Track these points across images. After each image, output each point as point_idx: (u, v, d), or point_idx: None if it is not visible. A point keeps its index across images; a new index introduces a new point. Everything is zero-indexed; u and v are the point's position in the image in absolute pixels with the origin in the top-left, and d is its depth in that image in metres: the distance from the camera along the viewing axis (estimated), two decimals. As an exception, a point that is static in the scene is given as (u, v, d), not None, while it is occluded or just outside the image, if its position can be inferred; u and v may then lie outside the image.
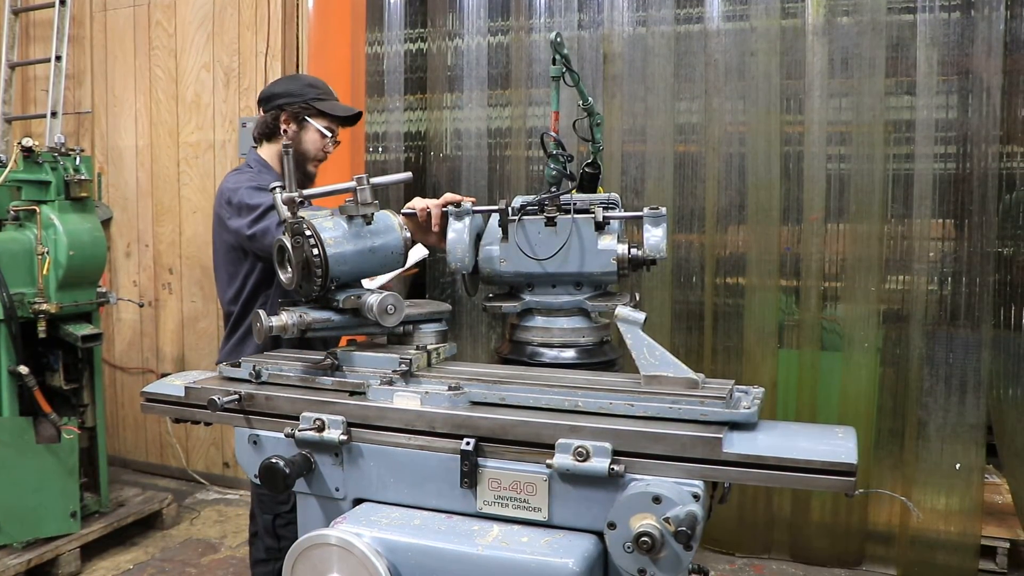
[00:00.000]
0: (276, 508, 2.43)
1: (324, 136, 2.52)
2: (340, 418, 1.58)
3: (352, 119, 2.61)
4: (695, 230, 3.77)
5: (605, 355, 1.97)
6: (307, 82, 2.60)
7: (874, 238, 3.49)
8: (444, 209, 2.09)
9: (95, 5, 4.81)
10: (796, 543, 3.72)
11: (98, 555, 3.70)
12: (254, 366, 1.77)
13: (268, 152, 2.58)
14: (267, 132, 2.57)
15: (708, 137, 3.72)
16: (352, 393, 1.65)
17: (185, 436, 4.74)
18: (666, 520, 1.28)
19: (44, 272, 3.44)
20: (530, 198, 1.95)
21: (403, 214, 2.13)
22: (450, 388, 1.56)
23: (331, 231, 1.74)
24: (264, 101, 2.57)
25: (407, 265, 2.14)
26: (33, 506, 3.40)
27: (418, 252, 2.44)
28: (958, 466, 3.42)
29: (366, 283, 2.22)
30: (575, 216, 1.90)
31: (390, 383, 1.65)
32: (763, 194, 3.62)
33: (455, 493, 1.50)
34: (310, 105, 2.51)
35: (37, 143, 3.51)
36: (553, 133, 1.97)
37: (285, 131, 2.52)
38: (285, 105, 2.51)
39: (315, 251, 1.70)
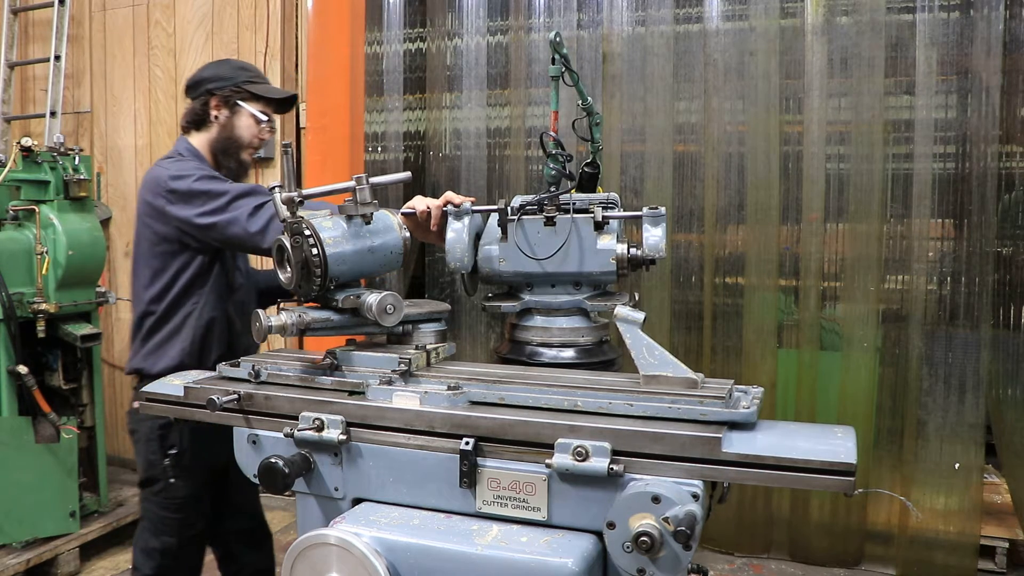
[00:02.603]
0: (182, 532, 2.32)
1: (259, 121, 2.37)
2: (339, 418, 1.58)
3: (287, 103, 2.46)
4: (694, 230, 3.77)
5: (604, 355, 1.97)
6: (237, 65, 2.45)
7: (873, 238, 3.49)
8: (444, 209, 2.07)
9: (94, 5, 4.81)
10: (795, 543, 3.72)
11: (97, 555, 3.70)
12: (253, 366, 1.77)
13: (198, 141, 2.41)
14: (196, 120, 2.41)
15: (707, 137, 3.72)
16: (351, 393, 1.65)
17: (184, 436, 4.74)
18: (665, 520, 1.28)
19: (43, 272, 3.44)
20: (529, 198, 1.95)
21: (403, 213, 2.13)
22: (449, 388, 1.56)
23: (330, 231, 1.74)
24: (192, 88, 2.41)
25: None
26: (32, 506, 3.39)
27: None
28: (957, 466, 3.43)
29: None
30: (574, 216, 1.90)
31: (389, 383, 1.65)
32: (762, 194, 3.62)
33: (454, 493, 1.50)
34: (242, 88, 2.36)
35: (36, 143, 3.50)
36: (552, 133, 1.97)
37: (216, 117, 2.36)
38: (215, 89, 2.35)
39: (314, 251, 1.70)
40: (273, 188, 1.79)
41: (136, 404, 2.28)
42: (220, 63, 2.48)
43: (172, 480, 2.28)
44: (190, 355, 2.28)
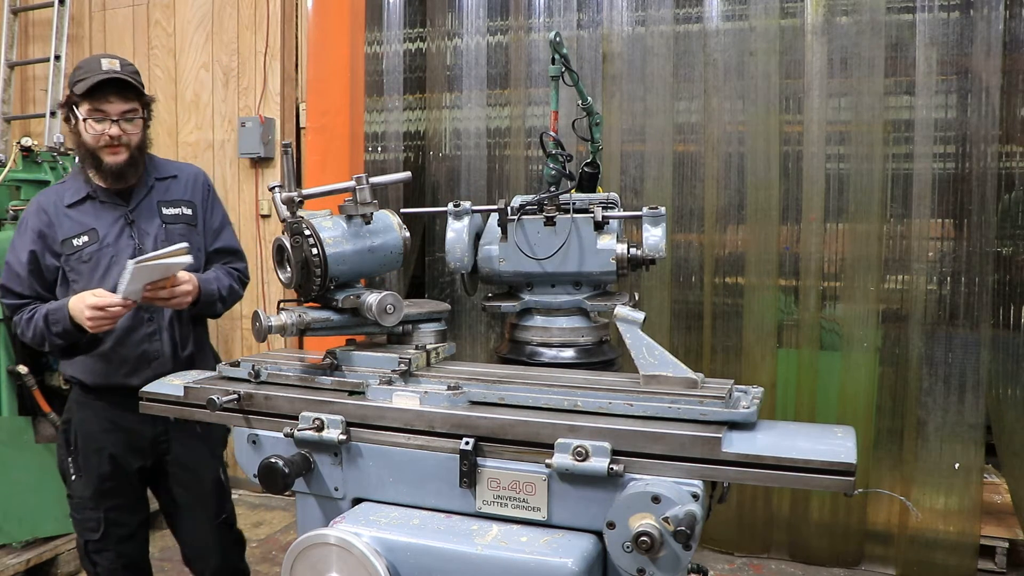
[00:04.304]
0: (84, 534, 2.40)
1: (93, 120, 2.20)
2: (339, 418, 1.58)
3: (112, 86, 2.21)
4: (694, 230, 3.77)
5: (604, 355, 1.97)
6: (78, 67, 2.28)
7: (873, 238, 3.49)
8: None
9: (94, 4, 4.81)
10: (795, 542, 3.72)
11: (97, 555, 3.69)
12: (253, 365, 1.77)
13: None
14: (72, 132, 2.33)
15: (707, 137, 3.72)
16: (351, 393, 1.65)
17: (184, 436, 4.74)
18: (665, 520, 1.29)
19: (43, 272, 3.43)
20: (529, 198, 1.95)
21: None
22: (449, 388, 1.56)
23: (330, 231, 1.74)
24: None
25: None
26: (32, 505, 3.39)
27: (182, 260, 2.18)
28: (957, 466, 3.43)
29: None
30: (574, 216, 1.90)
31: (389, 383, 1.65)
32: (762, 194, 3.62)
33: (454, 493, 1.50)
34: (72, 92, 2.22)
35: (36, 143, 3.51)
36: (552, 133, 1.97)
37: (73, 126, 2.27)
38: (64, 101, 2.26)
39: (314, 251, 1.70)
40: (273, 188, 1.79)
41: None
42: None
43: (73, 478, 2.39)
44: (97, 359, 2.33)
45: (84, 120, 2.22)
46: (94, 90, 2.19)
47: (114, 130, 2.23)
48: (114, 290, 2.10)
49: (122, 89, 2.23)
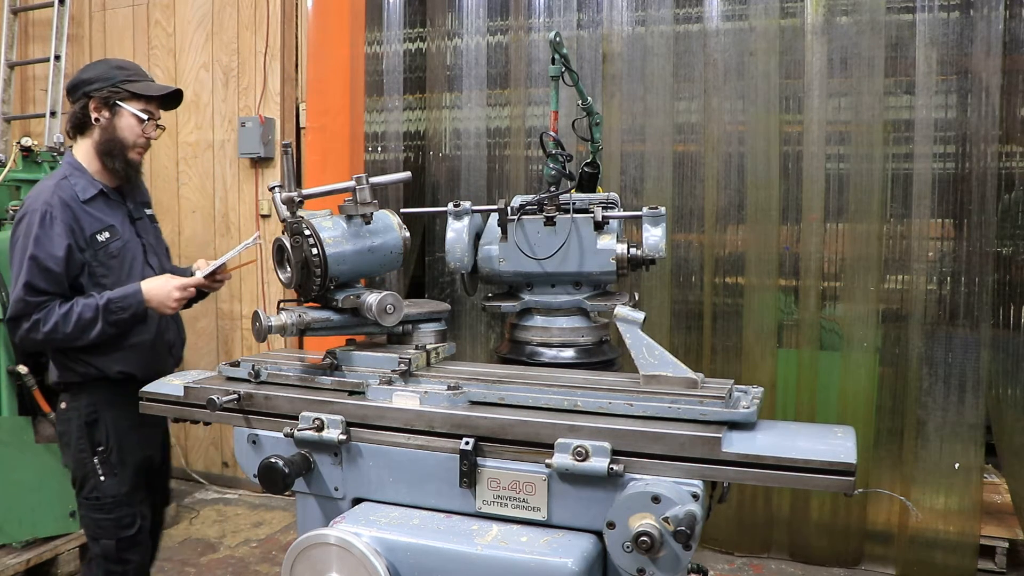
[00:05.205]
0: (118, 533, 2.36)
1: (141, 120, 2.32)
2: (339, 418, 1.58)
3: (171, 98, 2.41)
4: (694, 230, 3.77)
5: (604, 355, 1.98)
6: (115, 64, 2.39)
7: (873, 238, 3.50)
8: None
9: (94, 4, 4.81)
10: (795, 542, 3.72)
11: (97, 555, 3.69)
12: (253, 365, 1.77)
13: (83, 149, 2.37)
14: (78, 125, 2.36)
15: (707, 137, 3.72)
16: (351, 393, 1.65)
17: (184, 436, 4.74)
18: (665, 520, 1.29)
19: (43, 272, 3.43)
20: (529, 198, 1.95)
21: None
22: (449, 388, 1.57)
23: (330, 230, 1.74)
24: (71, 91, 2.38)
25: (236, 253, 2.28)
26: (32, 505, 3.39)
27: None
28: (957, 466, 3.43)
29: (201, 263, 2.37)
30: (574, 216, 1.90)
31: (389, 383, 1.65)
32: (762, 194, 3.62)
33: (454, 493, 1.51)
34: (120, 88, 2.31)
35: (36, 143, 3.51)
36: (552, 133, 1.97)
37: (97, 120, 2.32)
38: (93, 91, 2.31)
39: (314, 251, 1.71)
40: (273, 188, 1.79)
41: (63, 405, 2.35)
42: (97, 63, 2.42)
43: (102, 478, 2.34)
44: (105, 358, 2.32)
45: (146, 120, 2.33)
46: (161, 96, 2.36)
47: (155, 133, 2.39)
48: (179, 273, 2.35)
49: (169, 100, 2.43)
